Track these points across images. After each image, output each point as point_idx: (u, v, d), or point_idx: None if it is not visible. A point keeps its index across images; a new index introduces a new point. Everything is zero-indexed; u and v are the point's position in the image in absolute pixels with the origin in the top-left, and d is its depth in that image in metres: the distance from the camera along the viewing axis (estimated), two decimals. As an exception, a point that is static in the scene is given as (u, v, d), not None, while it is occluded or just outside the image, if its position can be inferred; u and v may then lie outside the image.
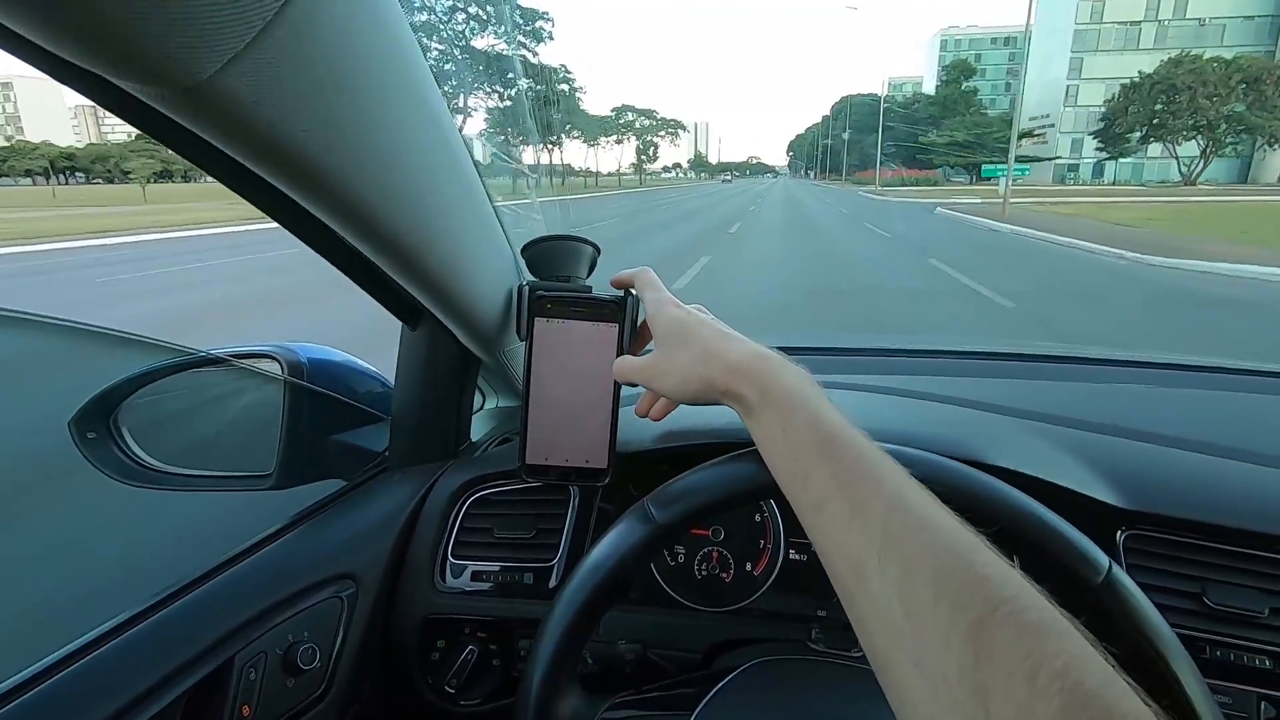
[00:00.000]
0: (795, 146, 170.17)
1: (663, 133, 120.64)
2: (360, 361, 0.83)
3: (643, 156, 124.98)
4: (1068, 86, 73.12)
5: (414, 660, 0.71)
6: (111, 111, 0.37)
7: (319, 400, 0.76)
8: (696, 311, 0.56)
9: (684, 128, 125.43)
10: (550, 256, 0.70)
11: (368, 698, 0.68)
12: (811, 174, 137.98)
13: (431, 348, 0.74)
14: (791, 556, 0.74)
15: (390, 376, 0.81)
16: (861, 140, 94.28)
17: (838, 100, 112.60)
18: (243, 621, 0.56)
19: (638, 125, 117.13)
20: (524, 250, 0.71)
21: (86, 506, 0.76)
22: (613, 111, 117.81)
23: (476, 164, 0.62)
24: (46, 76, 0.33)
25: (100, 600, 0.57)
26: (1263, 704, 0.59)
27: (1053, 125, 75.18)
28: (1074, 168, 76.91)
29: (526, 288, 0.66)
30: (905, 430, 0.72)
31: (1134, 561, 0.63)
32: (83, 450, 0.70)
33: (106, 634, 0.51)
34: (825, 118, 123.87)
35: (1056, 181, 73.58)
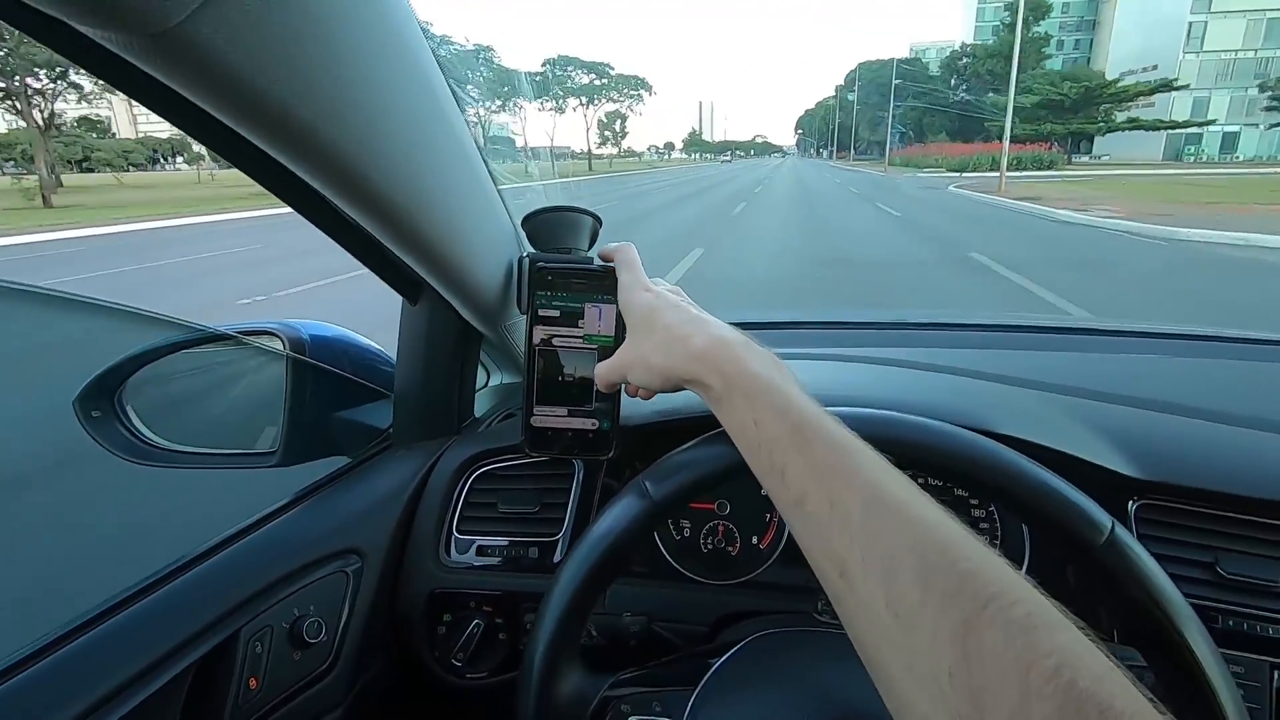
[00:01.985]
0: (804, 123, 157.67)
1: (615, 94, 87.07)
2: (362, 338, 0.83)
3: (607, 133, 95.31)
4: (1190, 25, 52.76)
5: (420, 634, 0.71)
6: (78, 64, 0.35)
7: (322, 377, 0.76)
8: (668, 294, 0.54)
9: (647, 88, 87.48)
10: (551, 228, 0.69)
11: (375, 671, 0.68)
12: (825, 152, 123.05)
13: (432, 323, 0.74)
14: None
15: (393, 353, 0.80)
16: (889, 111, 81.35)
17: (853, 68, 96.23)
18: (248, 595, 0.56)
19: (580, 85, 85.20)
20: (524, 222, 0.70)
21: (93, 485, 0.77)
22: (545, 66, 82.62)
23: (473, 133, 0.61)
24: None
25: (105, 576, 0.57)
26: (1275, 673, 0.58)
27: (1165, 80, 50.92)
28: (1194, 139, 54.69)
29: (527, 259, 0.65)
30: (900, 399, 0.70)
31: (1146, 531, 0.63)
32: (88, 429, 0.70)
33: (111, 608, 0.51)
34: (839, 88, 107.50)
35: (1170, 157, 53.33)
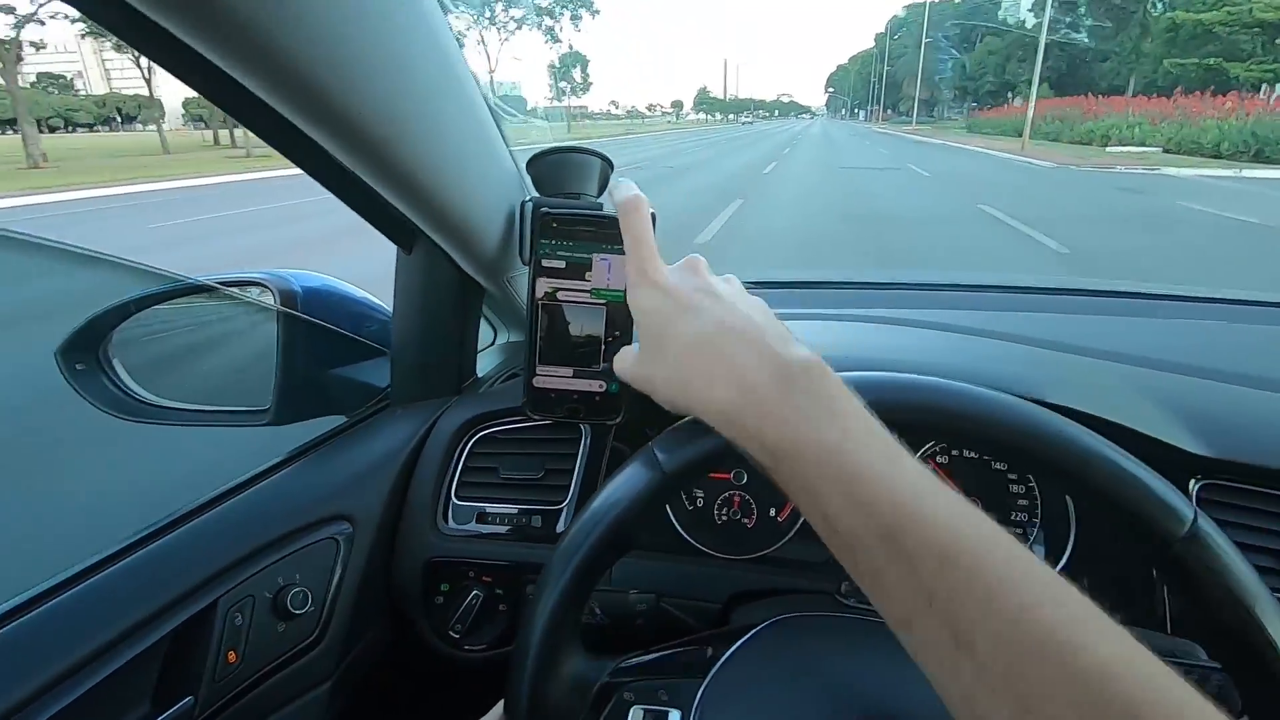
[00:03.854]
0: (837, 80, 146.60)
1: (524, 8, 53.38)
2: (360, 291, 0.78)
3: (563, 83, 69.62)
4: None
5: (417, 605, 0.68)
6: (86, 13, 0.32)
7: (316, 332, 0.71)
8: (680, 286, 0.40)
9: (586, 4, 57.90)
10: (557, 171, 0.63)
11: (368, 643, 0.65)
12: (861, 113, 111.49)
13: (429, 274, 0.68)
14: None
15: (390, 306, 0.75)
16: (946, 61, 59.81)
17: (899, 12, 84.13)
18: (228, 563, 0.53)
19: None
20: (530, 164, 0.64)
21: (76, 440, 0.74)
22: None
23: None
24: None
25: (85, 537, 0.54)
26: None
27: None
28: None
29: (530, 205, 0.60)
30: (951, 366, 0.64)
31: (1209, 514, 0.57)
32: (71, 382, 0.67)
33: (82, 573, 0.48)
34: (879, 35, 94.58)
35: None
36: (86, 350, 0.69)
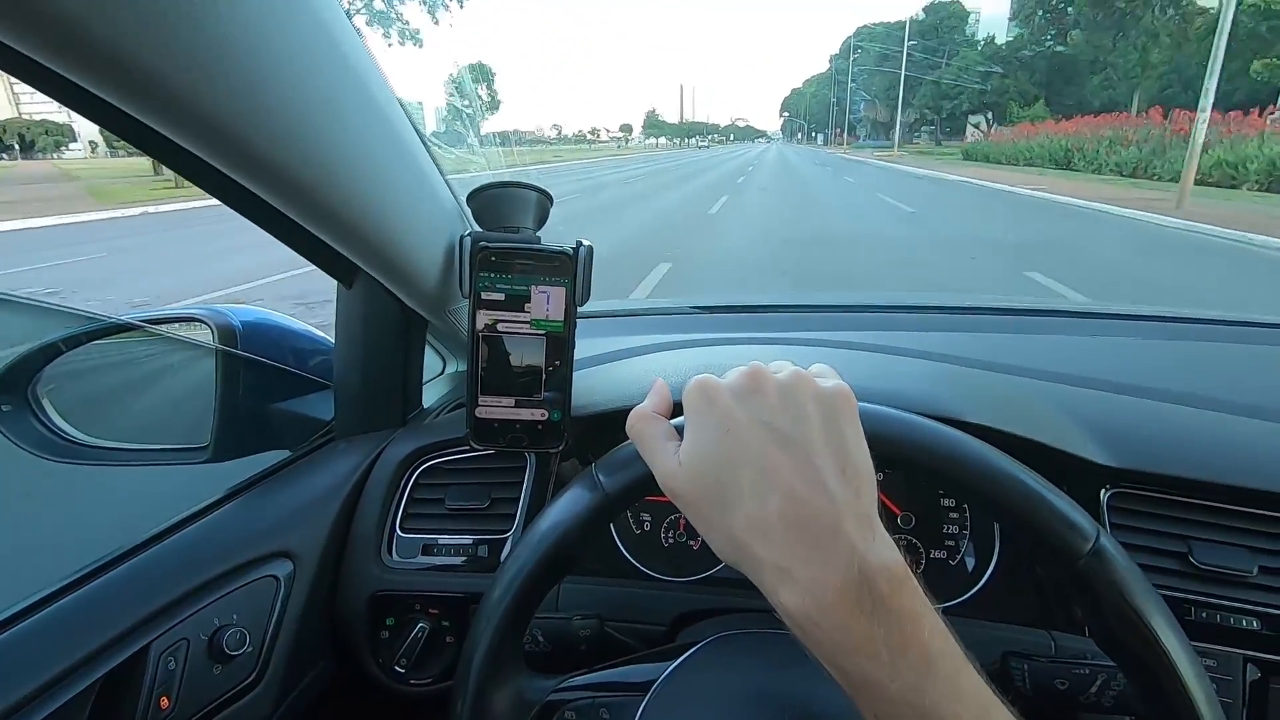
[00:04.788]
0: (791, 104, 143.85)
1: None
2: (301, 324, 0.78)
3: (463, 99, 35.38)
4: None
5: (362, 640, 0.67)
6: None
7: (256, 367, 0.71)
8: (740, 421, 0.34)
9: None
10: (497, 205, 0.65)
11: (311, 681, 0.64)
12: (819, 137, 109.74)
13: (370, 307, 0.69)
14: None
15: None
16: (921, 81, 53.43)
17: (853, 32, 77.64)
18: (161, 606, 0.52)
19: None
20: (470, 199, 0.65)
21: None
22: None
23: (403, 104, 0.56)
24: None
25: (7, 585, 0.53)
26: (1248, 666, 0.56)
27: None
28: None
29: (469, 239, 0.61)
30: (866, 385, 0.67)
31: (1118, 521, 0.61)
32: None
33: (11, 618, 0.47)
34: (834, 57, 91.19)
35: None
36: (12, 391, 0.67)
